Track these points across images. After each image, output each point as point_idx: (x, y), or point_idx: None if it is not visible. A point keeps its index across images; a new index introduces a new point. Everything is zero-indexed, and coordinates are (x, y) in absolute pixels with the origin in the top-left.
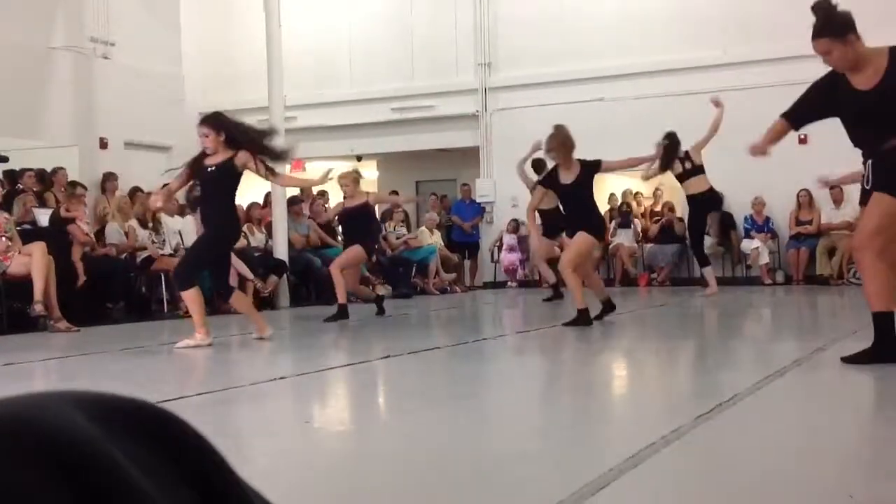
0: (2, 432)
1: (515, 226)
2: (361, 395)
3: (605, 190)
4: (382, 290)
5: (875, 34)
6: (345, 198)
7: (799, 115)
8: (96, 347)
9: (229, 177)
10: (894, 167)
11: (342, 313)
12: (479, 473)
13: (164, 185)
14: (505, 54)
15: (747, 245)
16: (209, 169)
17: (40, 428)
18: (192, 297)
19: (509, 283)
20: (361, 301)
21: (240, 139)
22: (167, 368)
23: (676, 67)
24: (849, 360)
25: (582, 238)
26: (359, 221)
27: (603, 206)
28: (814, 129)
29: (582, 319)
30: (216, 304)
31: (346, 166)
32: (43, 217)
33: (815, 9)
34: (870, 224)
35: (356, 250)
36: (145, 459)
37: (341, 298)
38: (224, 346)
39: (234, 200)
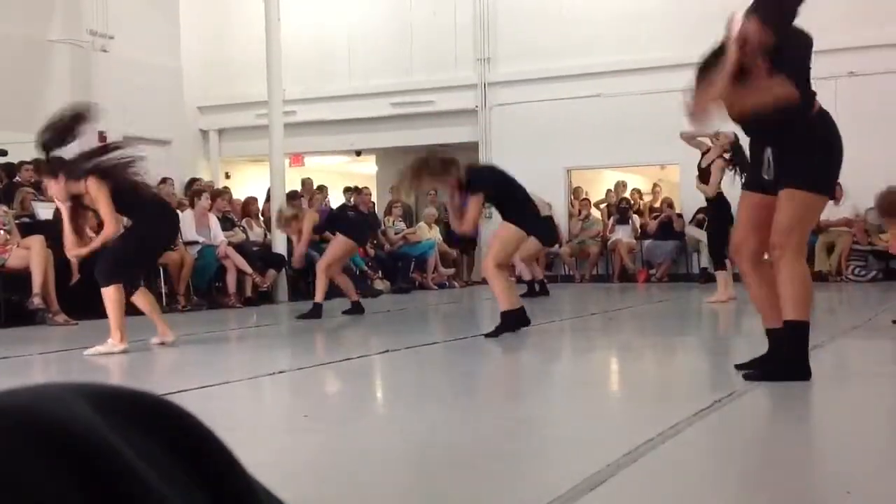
0: (4, 422)
1: None
2: (360, 389)
3: (603, 185)
4: (381, 284)
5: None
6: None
7: None
8: (94, 341)
9: None
10: (801, 157)
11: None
12: (477, 468)
13: None
14: (504, 50)
15: None
16: None
17: (44, 418)
18: (110, 296)
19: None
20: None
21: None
22: (166, 362)
23: (675, 63)
24: (751, 377)
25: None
26: None
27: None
28: None
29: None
30: (214, 297)
31: (345, 161)
32: (42, 210)
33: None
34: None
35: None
36: (151, 452)
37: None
38: (223, 340)
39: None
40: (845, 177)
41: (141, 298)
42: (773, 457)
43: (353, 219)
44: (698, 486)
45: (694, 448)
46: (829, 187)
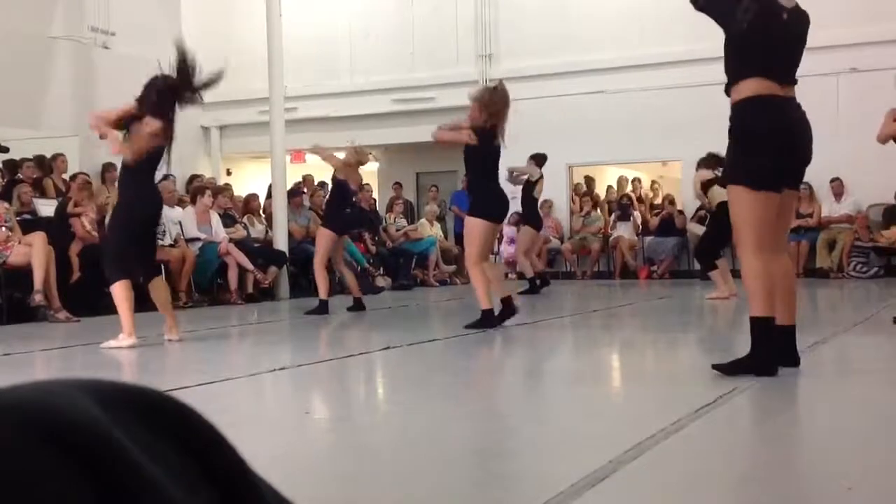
0: (9, 418)
1: (516, 218)
2: (361, 386)
3: (604, 181)
4: (382, 281)
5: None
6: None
7: None
8: (96, 337)
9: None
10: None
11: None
12: (479, 465)
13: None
14: (506, 46)
15: None
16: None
17: (49, 414)
18: (116, 292)
19: (509, 275)
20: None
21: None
22: (167, 358)
23: (677, 59)
24: (720, 368)
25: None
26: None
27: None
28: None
29: (486, 321)
30: (215, 294)
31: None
32: (43, 207)
33: None
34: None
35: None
36: (155, 448)
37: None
38: (224, 336)
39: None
40: (846, 173)
41: (155, 290)
42: (775, 452)
43: (334, 210)
44: (701, 481)
45: (696, 444)
46: (755, 180)
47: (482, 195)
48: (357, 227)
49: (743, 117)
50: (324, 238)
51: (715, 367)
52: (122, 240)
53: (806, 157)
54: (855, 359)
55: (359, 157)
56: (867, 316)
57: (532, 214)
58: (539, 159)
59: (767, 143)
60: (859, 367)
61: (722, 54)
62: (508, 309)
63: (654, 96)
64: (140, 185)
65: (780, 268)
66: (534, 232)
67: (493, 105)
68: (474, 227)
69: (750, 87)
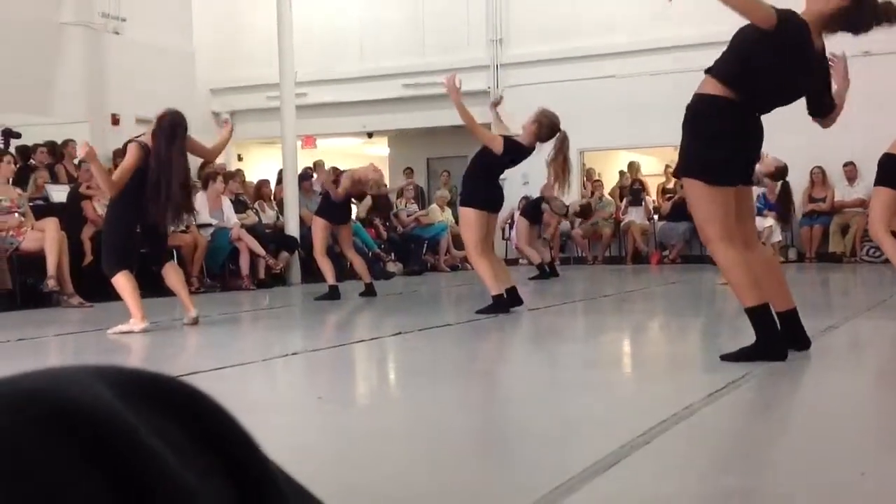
0: (21, 406)
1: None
2: (373, 371)
3: (615, 166)
4: (393, 267)
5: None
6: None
7: None
8: (109, 322)
9: None
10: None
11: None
12: (491, 450)
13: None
14: (517, 30)
15: (760, 223)
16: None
17: (64, 402)
18: (119, 283)
19: (520, 261)
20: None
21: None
22: (180, 343)
23: (689, 43)
24: (728, 357)
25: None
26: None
27: (610, 184)
28: None
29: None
30: (227, 279)
31: (357, 143)
32: (55, 193)
33: None
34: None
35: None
36: (171, 435)
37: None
38: (236, 321)
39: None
40: (859, 157)
41: (168, 275)
42: (786, 438)
43: (326, 203)
44: (711, 466)
45: (708, 430)
46: (706, 173)
47: (473, 186)
48: (348, 220)
49: (706, 112)
50: (318, 227)
51: (723, 357)
52: (115, 235)
53: (756, 157)
54: (867, 343)
55: (375, 183)
56: (880, 300)
57: (530, 207)
58: (585, 210)
59: (727, 139)
60: (871, 351)
61: (727, 39)
62: (513, 299)
63: (664, 80)
64: (128, 201)
65: (758, 258)
66: (527, 222)
67: (542, 131)
68: (464, 216)
69: (717, 88)
